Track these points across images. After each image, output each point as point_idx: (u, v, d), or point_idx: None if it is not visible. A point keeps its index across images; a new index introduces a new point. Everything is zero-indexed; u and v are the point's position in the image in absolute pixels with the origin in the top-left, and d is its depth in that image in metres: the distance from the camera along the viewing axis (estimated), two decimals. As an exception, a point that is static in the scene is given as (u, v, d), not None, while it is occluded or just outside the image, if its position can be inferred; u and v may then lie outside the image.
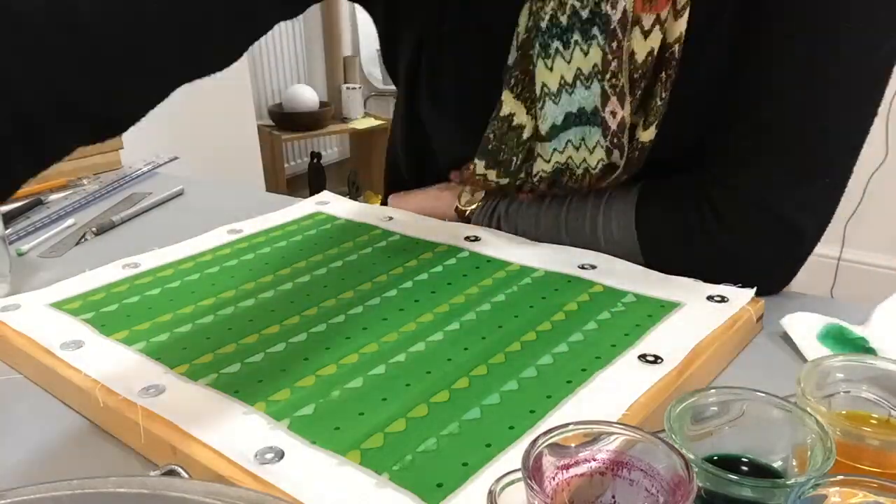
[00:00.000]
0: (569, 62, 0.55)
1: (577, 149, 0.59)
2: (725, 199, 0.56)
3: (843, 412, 0.37)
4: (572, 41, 0.55)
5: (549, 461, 0.30)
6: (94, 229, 0.77)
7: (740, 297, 0.52)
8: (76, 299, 0.56)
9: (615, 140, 0.57)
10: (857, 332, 0.49)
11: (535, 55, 0.56)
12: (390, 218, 0.70)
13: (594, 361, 0.44)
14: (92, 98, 0.38)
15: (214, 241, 0.66)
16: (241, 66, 2.03)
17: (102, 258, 0.63)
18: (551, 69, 0.56)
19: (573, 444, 0.31)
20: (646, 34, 0.53)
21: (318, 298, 0.54)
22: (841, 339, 0.49)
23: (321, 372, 0.45)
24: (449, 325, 0.50)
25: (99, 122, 0.39)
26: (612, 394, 0.41)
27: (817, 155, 0.54)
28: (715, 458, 0.33)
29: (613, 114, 0.55)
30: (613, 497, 0.31)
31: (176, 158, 1.03)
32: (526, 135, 0.60)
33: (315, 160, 2.88)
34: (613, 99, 0.55)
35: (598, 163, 0.59)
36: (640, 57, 0.54)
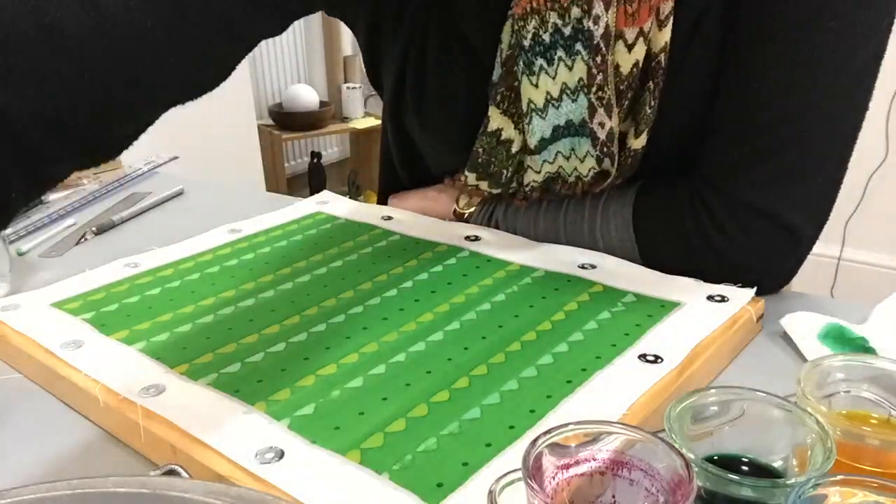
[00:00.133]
0: (553, 78, 0.55)
1: (568, 158, 0.59)
2: (720, 202, 0.56)
3: (843, 412, 0.37)
4: (556, 58, 0.54)
5: (549, 461, 0.30)
6: (94, 229, 0.77)
7: (740, 296, 0.52)
8: (76, 299, 0.56)
9: (605, 149, 0.57)
10: (857, 331, 0.49)
11: (520, 72, 0.56)
12: (390, 218, 0.70)
13: (594, 361, 0.44)
14: (82, 119, 0.38)
15: (214, 241, 0.66)
16: (241, 66, 2.03)
17: (102, 258, 0.63)
18: (536, 86, 0.56)
19: (573, 444, 0.31)
20: (629, 47, 0.53)
21: (318, 298, 0.54)
22: (841, 339, 0.49)
23: (321, 372, 0.45)
24: (449, 324, 0.50)
25: (88, 144, 0.39)
26: (612, 394, 0.41)
27: (809, 155, 0.54)
28: (715, 458, 0.33)
29: (602, 125, 0.56)
30: (613, 497, 0.31)
31: (176, 158, 1.03)
32: (515, 148, 0.60)
33: (315, 160, 2.88)
34: (601, 111, 0.55)
35: (589, 171, 0.59)
36: (626, 69, 0.54)
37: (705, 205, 0.56)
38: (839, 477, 0.29)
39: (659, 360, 0.44)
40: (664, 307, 0.51)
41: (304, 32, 2.90)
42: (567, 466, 0.31)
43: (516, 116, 0.59)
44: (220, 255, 0.63)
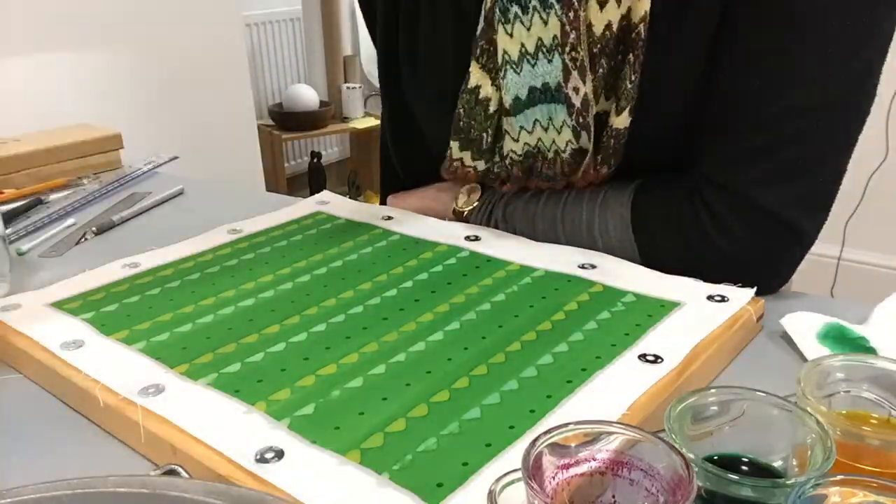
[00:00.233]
0: (528, 29, 0.56)
1: (546, 129, 0.59)
2: (719, 199, 0.56)
3: (843, 412, 0.37)
4: (530, 6, 0.56)
5: (549, 461, 0.30)
6: (94, 229, 0.77)
7: (740, 296, 0.52)
8: (76, 299, 0.56)
9: (580, 119, 0.57)
10: (857, 331, 0.49)
11: (496, 21, 0.58)
12: (390, 218, 0.70)
13: (594, 361, 0.44)
14: None
15: (214, 240, 0.66)
16: (241, 66, 2.03)
17: (102, 258, 0.63)
18: (511, 35, 0.57)
19: (573, 444, 0.31)
20: (601, 5, 0.54)
21: (318, 298, 0.54)
22: (841, 339, 0.49)
23: (321, 371, 0.45)
24: (449, 324, 0.50)
25: None
26: (612, 394, 0.41)
27: (811, 152, 0.54)
28: (715, 457, 0.33)
29: (576, 90, 0.56)
30: (613, 497, 0.31)
31: (176, 158, 1.03)
32: (492, 108, 0.61)
33: (315, 160, 2.88)
34: (575, 74, 0.56)
35: (566, 145, 0.59)
36: (598, 29, 0.55)
37: (704, 202, 0.56)
38: (839, 477, 0.29)
39: (659, 360, 0.44)
40: (664, 307, 0.51)
41: (304, 32, 2.90)
42: (567, 466, 0.31)
43: (494, 72, 0.60)
44: (220, 255, 0.63)
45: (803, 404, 0.34)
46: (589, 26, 0.55)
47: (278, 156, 2.73)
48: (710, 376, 0.47)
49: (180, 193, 0.90)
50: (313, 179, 2.86)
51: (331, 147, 3.18)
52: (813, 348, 0.48)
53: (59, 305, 0.55)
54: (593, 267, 0.57)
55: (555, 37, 0.55)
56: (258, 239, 0.66)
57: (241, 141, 2.05)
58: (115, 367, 0.46)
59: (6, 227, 0.77)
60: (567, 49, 0.55)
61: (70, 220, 0.81)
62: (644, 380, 0.42)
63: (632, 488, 0.30)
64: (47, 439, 0.43)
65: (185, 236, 0.67)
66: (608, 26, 0.54)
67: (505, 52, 0.58)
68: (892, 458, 0.33)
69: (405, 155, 0.77)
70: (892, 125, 1.85)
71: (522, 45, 0.57)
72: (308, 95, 2.71)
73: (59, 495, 0.27)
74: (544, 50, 0.56)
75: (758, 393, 0.34)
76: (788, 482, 0.29)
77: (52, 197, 0.88)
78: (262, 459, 0.37)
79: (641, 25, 0.54)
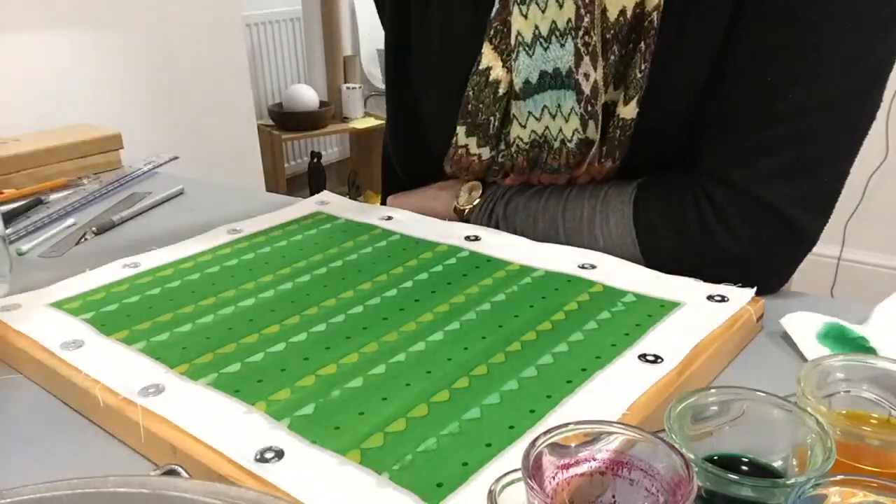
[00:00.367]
0: (543, 11, 0.56)
1: (554, 117, 0.59)
2: (724, 195, 0.56)
3: (843, 412, 0.37)
4: None
5: (549, 461, 0.30)
6: (94, 229, 0.77)
7: (740, 296, 0.52)
8: (76, 299, 0.56)
9: (589, 107, 0.57)
10: (857, 331, 0.49)
11: (512, 1, 0.57)
12: (390, 218, 0.70)
13: (594, 361, 0.44)
14: None
15: (214, 241, 0.66)
16: (241, 66, 2.03)
17: (102, 258, 0.63)
18: (526, 16, 0.57)
19: (573, 444, 0.31)
20: None
21: (318, 298, 0.54)
22: (841, 339, 0.49)
23: (321, 372, 0.45)
24: (449, 324, 0.50)
25: None
26: (612, 394, 0.41)
27: (817, 150, 0.54)
28: (715, 457, 0.33)
29: (587, 76, 0.56)
30: (613, 497, 0.31)
31: (176, 158, 1.03)
32: (502, 90, 0.61)
33: (315, 160, 2.88)
34: (586, 59, 0.56)
35: (573, 134, 0.59)
36: (612, 15, 0.55)
37: (708, 197, 0.56)
38: (839, 477, 0.29)
39: (659, 360, 0.44)
40: (664, 307, 0.51)
41: (304, 32, 2.90)
42: (567, 466, 0.30)
43: (505, 54, 0.60)
44: (220, 255, 0.63)
45: (803, 404, 0.34)
46: (603, 11, 0.55)
47: (278, 156, 2.73)
48: (710, 376, 0.47)
49: (180, 193, 0.90)
50: (313, 179, 2.86)
51: (331, 147, 3.18)
52: (813, 348, 0.48)
53: (59, 305, 0.55)
54: (593, 267, 0.57)
55: (569, 20, 0.55)
56: (258, 239, 0.66)
57: (241, 141, 2.05)
58: (115, 367, 0.46)
59: (6, 227, 0.77)
60: (580, 33, 0.55)
61: (70, 220, 0.81)
62: (644, 380, 0.42)
63: (632, 488, 0.30)
64: (47, 439, 0.43)
65: (185, 236, 0.67)
66: (622, 12, 0.54)
67: (519, 33, 0.58)
68: (892, 458, 0.33)
69: (406, 154, 0.77)
70: (892, 125, 1.85)
71: (536, 27, 0.57)
72: (308, 95, 2.71)
73: (59, 495, 0.27)
74: (558, 34, 0.56)
75: (758, 393, 0.34)
76: (788, 482, 0.29)
77: (52, 197, 0.88)
78: (262, 459, 0.37)
79: (655, 14, 0.54)
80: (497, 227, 0.67)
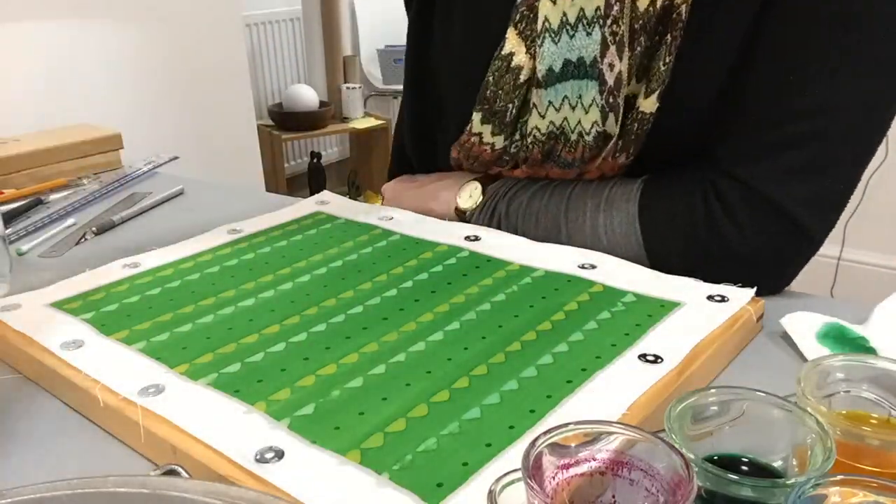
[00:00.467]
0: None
1: (574, 108, 0.59)
2: (734, 191, 0.55)
3: (843, 412, 0.37)
4: None
5: (549, 461, 0.30)
6: (94, 229, 0.77)
7: (740, 296, 0.52)
8: (76, 299, 0.56)
9: (611, 99, 0.56)
10: (857, 331, 0.49)
11: None
12: (390, 218, 0.70)
13: (594, 361, 0.44)
14: None
15: (214, 241, 0.66)
16: (241, 66, 2.03)
17: (102, 258, 0.63)
18: (554, 2, 0.56)
19: (573, 444, 0.31)
20: None
21: (318, 298, 0.54)
22: (841, 339, 0.49)
23: (321, 372, 0.45)
24: (449, 324, 0.50)
25: None
26: (612, 394, 0.41)
27: (832, 151, 0.54)
28: (715, 457, 0.33)
29: (611, 66, 0.55)
30: (613, 497, 0.31)
31: (176, 158, 1.03)
32: (523, 77, 0.60)
33: (315, 160, 2.88)
34: (612, 49, 0.55)
35: (592, 126, 0.58)
36: (642, 5, 0.54)
37: (718, 192, 0.56)
38: (839, 477, 0.29)
39: (659, 360, 0.44)
40: (664, 307, 0.51)
41: (304, 32, 2.90)
42: (567, 466, 0.31)
43: (530, 40, 0.59)
44: (220, 255, 0.63)
45: (803, 404, 0.34)
46: (633, 0, 0.54)
47: (278, 156, 2.73)
48: (710, 376, 0.47)
49: (180, 193, 0.90)
50: (313, 179, 2.86)
51: (330, 147, 3.18)
52: (813, 348, 0.48)
53: (59, 305, 0.55)
54: (593, 267, 0.57)
55: (598, 8, 0.55)
56: (258, 239, 0.66)
57: (241, 141, 2.05)
58: (115, 367, 0.46)
59: (6, 227, 0.77)
60: (609, 22, 0.54)
61: (70, 220, 0.81)
62: (644, 380, 0.42)
63: (632, 488, 0.30)
64: (47, 439, 0.43)
65: (185, 236, 0.67)
66: (652, 2, 0.54)
67: (546, 19, 0.57)
68: (892, 458, 0.33)
69: (422, 149, 0.76)
70: (893, 125, 1.85)
71: (564, 14, 0.56)
72: (308, 95, 2.71)
73: (59, 495, 0.27)
74: (585, 22, 0.55)
75: (758, 393, 0.34)
76: (788, 482, 0.29)
77: (52, 197, 0.88)
78: (262, 459, 0.37)
79: (683, 6, 0.54)
80: (499, 225, 0.67)
